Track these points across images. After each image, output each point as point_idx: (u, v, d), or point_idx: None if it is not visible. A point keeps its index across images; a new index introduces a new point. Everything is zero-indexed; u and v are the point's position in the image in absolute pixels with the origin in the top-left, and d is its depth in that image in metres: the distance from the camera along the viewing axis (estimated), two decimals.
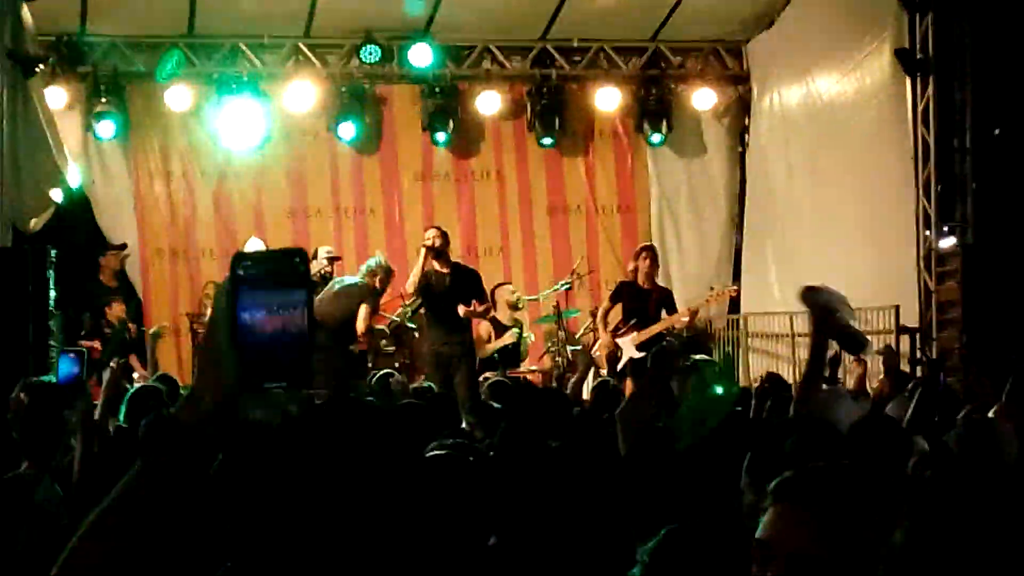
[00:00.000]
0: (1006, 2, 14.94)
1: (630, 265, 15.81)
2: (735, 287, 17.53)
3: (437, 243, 14.72)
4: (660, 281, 16.13)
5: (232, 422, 2.18)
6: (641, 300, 15.33)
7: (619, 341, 15.40)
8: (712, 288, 17.01)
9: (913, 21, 15.54)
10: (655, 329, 15.12)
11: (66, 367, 7.77)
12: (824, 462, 3.26)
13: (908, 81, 15.60)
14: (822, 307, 6.66)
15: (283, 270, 2.12)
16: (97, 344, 15.69)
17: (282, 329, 2.10)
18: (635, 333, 15.22)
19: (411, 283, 14.97)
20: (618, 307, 15.50)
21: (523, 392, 10.61)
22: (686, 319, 15.48)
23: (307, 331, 2.10)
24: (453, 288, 14.64)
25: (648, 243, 16.55)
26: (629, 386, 13.41)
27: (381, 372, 11.87)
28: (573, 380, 12.22)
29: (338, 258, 16.98)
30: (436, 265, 14.74)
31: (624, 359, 15.23)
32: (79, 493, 6.10)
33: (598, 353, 15.64)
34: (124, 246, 17.65)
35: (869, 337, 8.63)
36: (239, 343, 2.10)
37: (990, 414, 6.43)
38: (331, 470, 2.26)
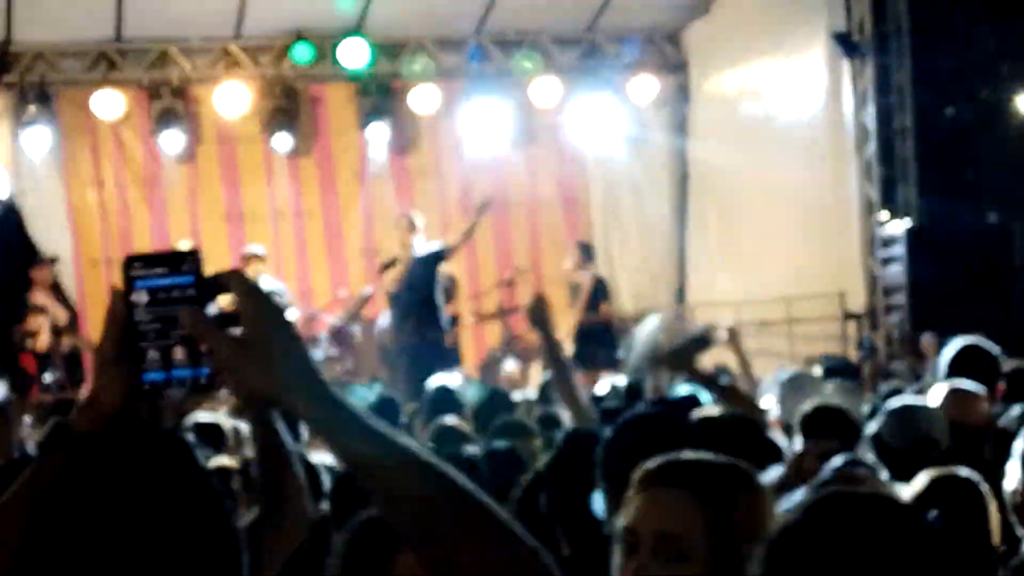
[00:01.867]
0: None
1: (569, 260, 15.96)
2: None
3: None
4: (604, 273, 16.25)
5: (131, 427, 2.13)
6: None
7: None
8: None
9: (849, 4, 15.42)
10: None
11: None
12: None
13: (847, 64, 15.48)
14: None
15: (177, 272, 2.09)
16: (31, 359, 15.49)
17: (177, 331, 2.07)
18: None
19: (392, 280, 14.98)
20: None
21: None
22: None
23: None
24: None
25: (585, 241, 16.75)
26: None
27: None
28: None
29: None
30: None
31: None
32: None
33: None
34: (55, 260, 17.30)
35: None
36: (134, 347, 2.08)
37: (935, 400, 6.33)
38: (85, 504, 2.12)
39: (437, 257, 15.15)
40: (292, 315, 16.71)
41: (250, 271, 16.21)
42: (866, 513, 2.17)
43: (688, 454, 3.12)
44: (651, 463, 3.06)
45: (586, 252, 16.79)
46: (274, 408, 2.02)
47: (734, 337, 9.49)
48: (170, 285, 2.08)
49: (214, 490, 2.18)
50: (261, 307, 2.03)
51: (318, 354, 16.32)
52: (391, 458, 2.00)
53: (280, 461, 4.00)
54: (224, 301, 2.05)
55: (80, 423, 2.14)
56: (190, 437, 2.25)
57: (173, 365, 2.07)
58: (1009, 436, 5.15)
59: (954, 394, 6.19)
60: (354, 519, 3.06)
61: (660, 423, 4.31)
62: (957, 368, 7.05)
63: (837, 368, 12.25)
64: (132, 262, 2.09)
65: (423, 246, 15.11)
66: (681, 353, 7.11)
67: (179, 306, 2.06)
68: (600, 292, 16.41)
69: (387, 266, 15.31)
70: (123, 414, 2.11)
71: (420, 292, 14.91)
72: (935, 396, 6.23)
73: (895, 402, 6.12)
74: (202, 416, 7.72)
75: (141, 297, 2.08)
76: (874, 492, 2.31)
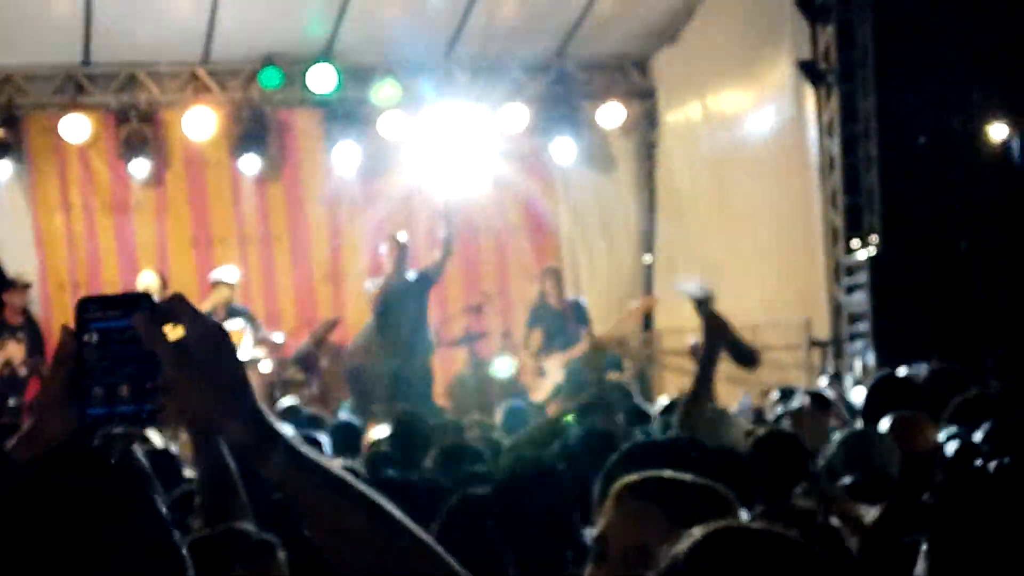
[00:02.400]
0: (906, 9, 14.90)
1: (536, 287, 15.92)
2: (654, 299, 17.48)
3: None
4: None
5: (74, 456, 2.14)
6: (559, 321, 15.54)
7: (544, 364, 15.48)
8: (634, 304, 17.13)
9: (814, 31, 15.49)
10: (579, 350, 15.39)
11: None
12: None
13: (811, 92, 15.55)
14: (714, 316, 6.54)
15: (131, 315, 2.10)
16: None
17: (126, 372, 2.10)
18: (560, 354, 15.39)
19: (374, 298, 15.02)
20: (537, 331, 15.76)
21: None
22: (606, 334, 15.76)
23: (151, 371, 2.08)
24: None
25: (550, 265, 16.70)
26: (553, 408, 13.52)
27: None
28: None
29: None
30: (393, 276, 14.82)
31: (550, 382, 15.35)
32: None
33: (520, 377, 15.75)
34: (28, 285, 17.21)
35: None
36: (82, 384, 2.10)
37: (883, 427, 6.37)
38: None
39: (428, 280, 15.21)
40: (278, 338, 16.79)
41: (217, 296, 16.24)
42: (754, 548, 2.21)
43: (667, 473, 3.19)
44: (629, 477, 3.14)
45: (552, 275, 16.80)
46: (208, 432, 2.05)
47: (697, 353, 9.48)
48: (122, 327, 2.10)
49: (161, 517, 2.19)
50: (201, 330, 2.06)
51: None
52: (321, 485, 2.06)
53: (224, 484, 4.01)
54: (175, 332, 2.07)
55: (21, 453, 2.15)
56: (142, 466, 2.26)
57: (117, 401, 2.10)
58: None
59: (900, 421, 6.21)
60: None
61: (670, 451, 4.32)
62: (876, 399, 7.08)
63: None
64: (86, 304, 2.13)
65: (409, 269, 15.16)
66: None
67: (130, 346, 2.09)
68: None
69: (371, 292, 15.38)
70: (65, 446, 2.12)
71: (411, 316, 14.92)
72: (883, 424, 6.26)
73: (848, 432, 6.14)
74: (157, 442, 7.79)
75: (93, 338, 2.11)
76: (765, 528, 2.34)
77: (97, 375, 2.10)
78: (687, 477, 3.16)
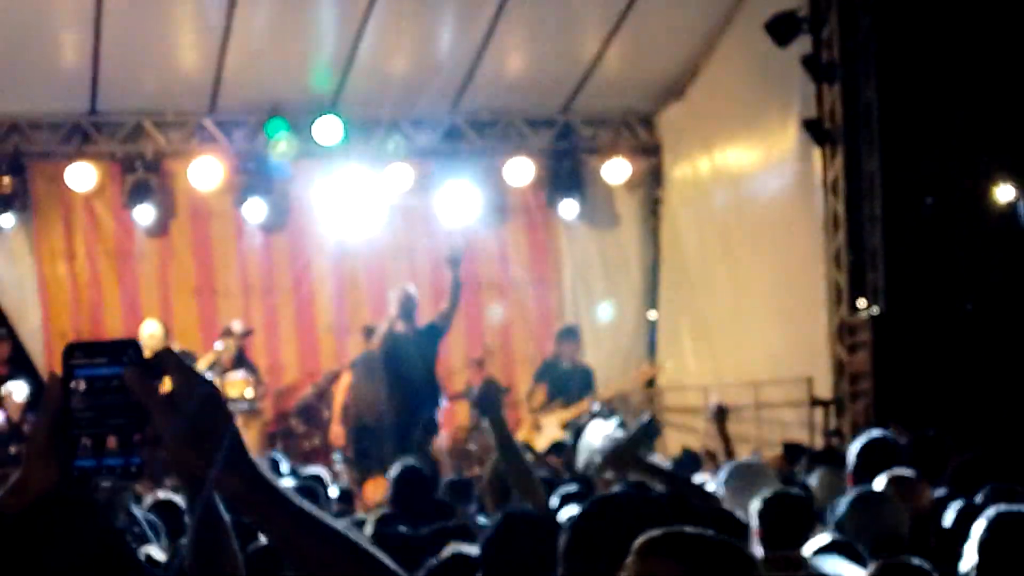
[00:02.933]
0: (911, 71, 14.95)
1: (554, 348, 16.01)
2: (660, 365, 17.45)
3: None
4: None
5: (59, 513, 2.15)
6: (566, 379, 15.56)
7: (542, 420, 15.47)
8: (640, 367, 17.12)
9: (820, 91, 15.52)
10: (579, 409, 15.36)
11: None
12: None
13: (817, 151, 15.57)
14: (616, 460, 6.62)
15: (117, 362, 2.10)
16: None
17: (113, 423, 2.09)
18: (561, 411, 15.37)
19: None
20: (542, 387, 15.78)
21: None
22: (609, 394, 15.74)
23: (138, 423, 2.08)
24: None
25: (572, 324, 16.69)
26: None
27: None
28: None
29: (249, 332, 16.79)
30: (401, 327, 14.73)
31: (546, 438, 15.33)
32: None
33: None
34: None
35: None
36: (69, 435, 2.09)
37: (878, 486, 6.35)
38: None
39: (437, 332, 15.17)
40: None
41: (223, 345, 16.21)
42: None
43: (688, 529, 3.21)
44: (651, 533, 3.16)
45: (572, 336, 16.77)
46: (200, 485, 2.06)
47: (721, 416, 9.44)
48: (109, 375, 2.10)
49: (140, 569, 2.22)
50: (190, 383, 2.06)
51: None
52: (312, 536, 2.07)
53: (216, 531, 3.98)
54: (164, 386, 2.07)
55: (8, 505, 2.15)
56: (132, 519, 2.28)
57: (105, 453, 2.09)
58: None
59: (897, 482, 6.20)
60: None
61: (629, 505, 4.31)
62: (864, 460, 7.08)
63: (821, 457, 12.19)
64: (73, 350, 2.12)
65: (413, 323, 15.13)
66: (624, 452, 7.04)
67: (117, 396, 2.08)
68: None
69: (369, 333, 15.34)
70: (52, 497, 2.12)
71: (419, 369, 14.86)
72: (878, 483, 6.25)
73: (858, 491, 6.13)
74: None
75: (79, 385, 2.10)
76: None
77: (84, 425, 2.09)
78: (708, 533, 3.17)
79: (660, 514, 3.93)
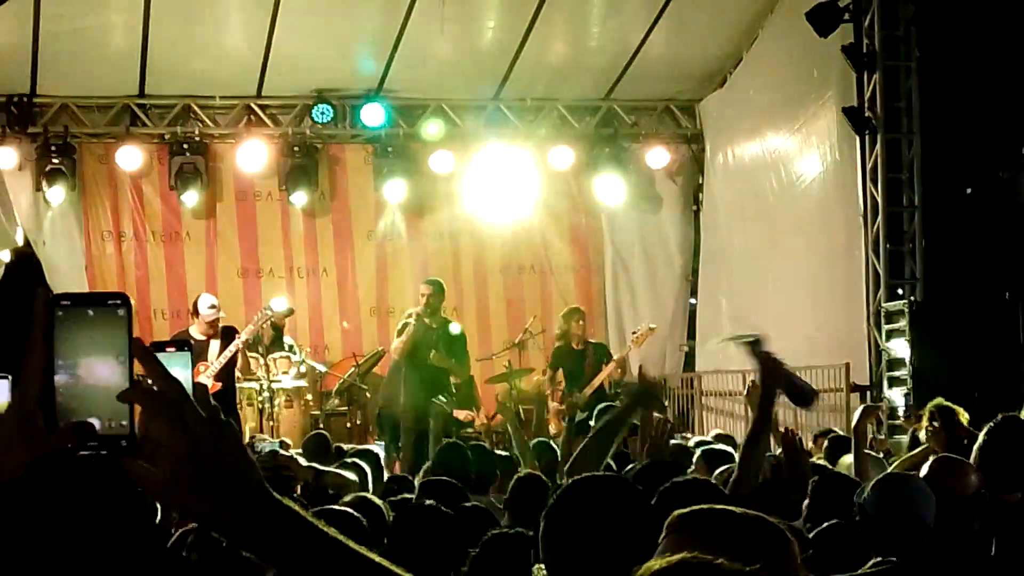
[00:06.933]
0: (951, 59, 15.00)
1: (559, 327, 16.05)
2: (654, 325, 17.33)
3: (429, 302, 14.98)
4: (613, 340, 16.28)
5: (44, 484, 2.09)
6: (577, 361, 15.60)
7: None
8: (633, 332, 17.06)
9: (860, 79, 15.58)
10: (592, 385, 15.42)
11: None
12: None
13: (857, 139, 15.63)
14: (770, 357, 6.49)
15: (104, 315, 1.96)
16: None
17: (100, 379, 1.94)
18: (578, 393, 15.46)
19: (396, 348, 15.08)
20: (559, 373, 15.87)
21: None
22: (618, 370, 15.72)
23: (127, 381, 1.93)
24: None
25: (575, 306, 16.70)
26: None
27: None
28: None
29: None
30: (428, 321, 14.88)
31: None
32: None
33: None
34: None
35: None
36: (52, 396, 1.93)
37: (923, 471, 6.26)
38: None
39: (462, 339, 15.40)
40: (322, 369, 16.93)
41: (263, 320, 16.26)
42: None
43: (719, 506, 3.25)
44: (681, 509, 3.18)
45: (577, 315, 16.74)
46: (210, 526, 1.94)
47: (753, 394, 9.38)
48: (94, 331, 1.96)
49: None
50: (194, 427, 1.93)
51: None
52: (328, 561, 1.97)
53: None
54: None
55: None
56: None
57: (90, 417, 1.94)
58: None
59: (941, 463, 6.11)
60: None
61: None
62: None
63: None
64: (58, 301, 1.96)
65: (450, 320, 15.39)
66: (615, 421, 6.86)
67: (104, 356, 1.94)
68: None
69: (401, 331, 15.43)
70: (22, 481, 1.99)
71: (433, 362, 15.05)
72: (924, 466, 6.16)
73: (883, 475, 6.03)
74: None
75: (63, 343, 1.94)
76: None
77: (67, 385, 1.93)
78: (736, 510, 3.19)
79: (634, 498, 3.93)
